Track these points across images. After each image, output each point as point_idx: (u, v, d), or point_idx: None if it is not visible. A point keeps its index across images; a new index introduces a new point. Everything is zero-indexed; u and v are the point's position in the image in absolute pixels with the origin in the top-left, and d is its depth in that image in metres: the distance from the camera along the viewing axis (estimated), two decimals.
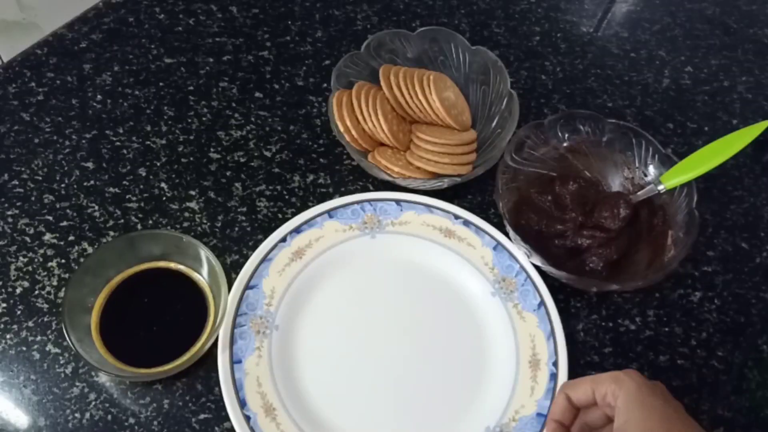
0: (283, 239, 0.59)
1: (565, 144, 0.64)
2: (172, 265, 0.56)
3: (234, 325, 0.54)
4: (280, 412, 0.51)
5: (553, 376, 0.54)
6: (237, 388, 0.51)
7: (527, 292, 0.58)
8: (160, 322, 0.54)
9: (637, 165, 0.63)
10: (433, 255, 0.60)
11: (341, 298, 0.58)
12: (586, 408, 0.47)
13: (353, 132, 0.62)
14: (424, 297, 0.59)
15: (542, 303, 0.57)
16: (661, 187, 0.60)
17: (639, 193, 0.61)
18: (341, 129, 0.62)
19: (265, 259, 0.57)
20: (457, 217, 0.61)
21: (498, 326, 0.57)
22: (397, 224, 0.61)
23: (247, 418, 0.50)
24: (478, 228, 0.61)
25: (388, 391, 0.54)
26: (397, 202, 0.62)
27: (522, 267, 0.59)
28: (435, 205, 0.62)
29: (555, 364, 0.54)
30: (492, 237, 0.60)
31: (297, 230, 0.59)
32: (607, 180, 0.65)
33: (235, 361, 0.52)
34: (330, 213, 0.61)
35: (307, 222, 0.60)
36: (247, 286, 0.56)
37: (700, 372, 0.57)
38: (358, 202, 0.61)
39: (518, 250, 0.59)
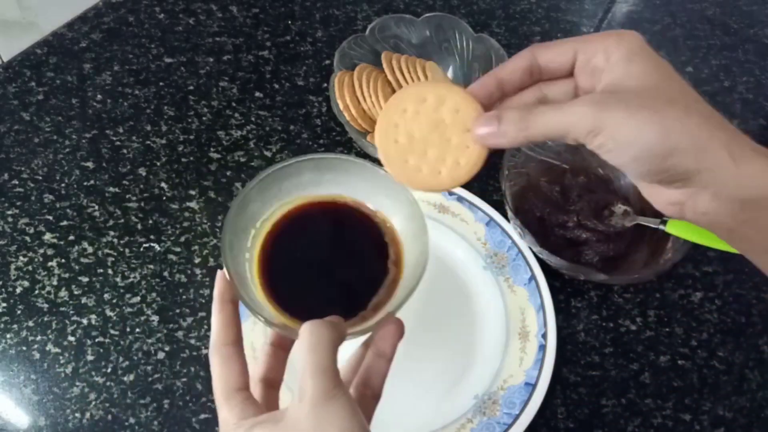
0: None
1: None
2: (353, 201, 0.42)
3: None
4: None
5: (542, 348, 0.55)
6: None
7: (518, 267, 0.59)
8: (335, 268, 0.42)
9: None
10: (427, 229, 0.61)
11: None
12: (552, 78, 0.35)
13: (352, 110, 0.63)
14: None
15: (533, 277, 0.58)
16: (662, 227, 0.57)
17: (641, 219, 0.60)
18: (341, 107, 0.63)
19: None
20: (451, 193, 0.63)
21: (489, 299, 0.58)
22: None
23: None
24: (471, 204, 0.62)
25: None
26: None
27: (513, 242, 0.60)
28: None
29: (544, 336, 0.55)
30: (485, 213, 0.62)
31: None
32: (619, 179, 0.64)
33: None
34: None
35: None
36: None
37: (700, 372, 0.57)
38: None
39: (512, 227, 0.60)
